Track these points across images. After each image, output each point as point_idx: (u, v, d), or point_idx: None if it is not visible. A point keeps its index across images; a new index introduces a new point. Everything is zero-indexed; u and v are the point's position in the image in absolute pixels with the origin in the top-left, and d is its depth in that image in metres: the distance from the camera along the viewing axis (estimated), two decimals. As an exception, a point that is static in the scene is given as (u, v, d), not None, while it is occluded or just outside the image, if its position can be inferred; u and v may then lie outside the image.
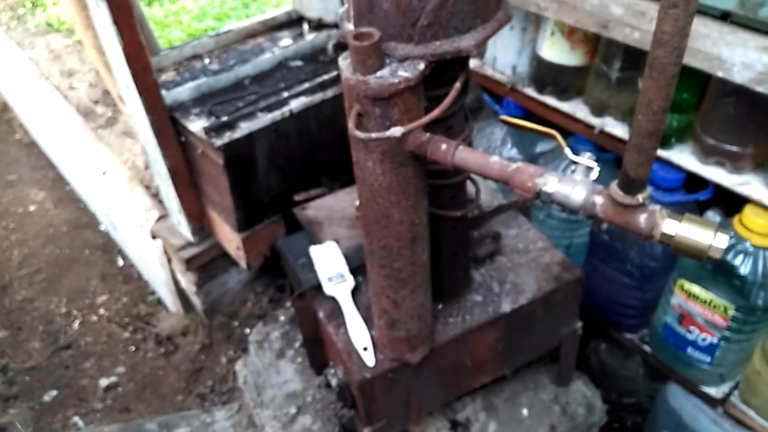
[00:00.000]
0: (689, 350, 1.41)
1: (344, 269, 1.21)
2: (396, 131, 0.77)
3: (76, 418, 2.05)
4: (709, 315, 1.33)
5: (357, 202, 1.30)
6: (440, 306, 1.16)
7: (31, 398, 2.12)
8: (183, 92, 1.66)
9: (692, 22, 0.56)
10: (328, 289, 1.19)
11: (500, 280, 1.21)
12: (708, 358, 1.38)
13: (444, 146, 0.80)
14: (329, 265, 1.22)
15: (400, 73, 0.75)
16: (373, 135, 0.77)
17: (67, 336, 2.31)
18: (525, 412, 1.35)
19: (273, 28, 1.95)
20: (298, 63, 1.81)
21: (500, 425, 1.32)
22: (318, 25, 1.88)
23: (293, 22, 1.95)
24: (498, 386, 1.37)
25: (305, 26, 1.90)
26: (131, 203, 2.19)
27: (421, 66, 0.77)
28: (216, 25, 3.37)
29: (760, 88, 1.08)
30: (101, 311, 2.39)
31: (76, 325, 2.35)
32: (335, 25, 1.86)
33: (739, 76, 1.10)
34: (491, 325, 1.16)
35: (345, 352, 1.11)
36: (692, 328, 1.37)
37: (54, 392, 2.13)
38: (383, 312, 1.02)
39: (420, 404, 1.19)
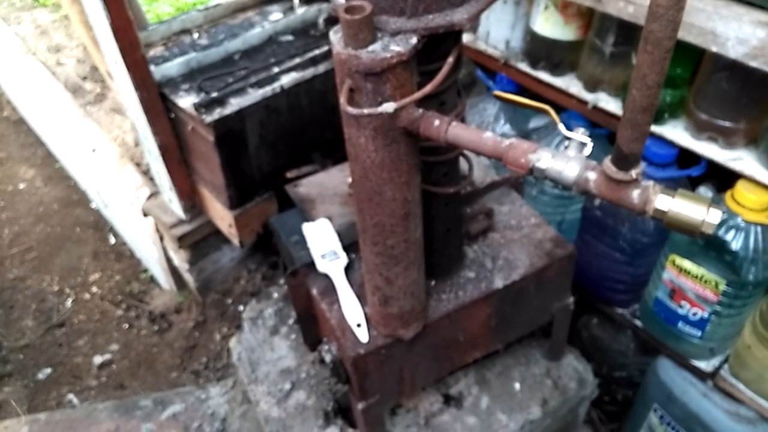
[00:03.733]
0: (680, 325, 1.42)
1: (337, 246, 1.21)
2: (388, 107, 0.76)
3: (70, 396, 2.06)
4: (700, 290, 1.33)
5: (349, 179, 1.29)
6: (433, 282, 1.17)
7: (25, 376, 2.12)
8: (172, 68, 1.64)
9: (688, -5, 0.55)
10: (322, 266, 1.18)
11: (493, 257, 1.21)
12: (698, 333, 1.40)
13: (437, 122, 0.79)
14: (322, 242, 1.22)
15: (392, 47, 0.74)
16: (365, 111, 0.76)
17: (60, 314, 2.31)
18: (517, 386, 1.36)
19: (263, 1, 1.92)
20: (289, 38, 1.79)
21: (492, 399, 1.34)
22: (309, -1, 1.86)
23: (283, -5, 1.93)
24: (490, 361, 1.38)
25: (295, 0, 1.87)
26: (122, 181, 2.18)
27: (414, 40, 0.76)
28: (205, -1, 3.32)
29: (753, 63, 1.08)
30: (94, 289, 2.39)
31: (68, 303, 2.35)
32: (326, -1, 1.83)
33: (733, 50, 1.09)
34: (484, 301, 1.16)
35: (339, 328, 1.11)
36: (683, 302, 1.38)
37: (48, 370, 2.13)
38: (376, 289, 1.02)
39: (413, 379, 1.20)
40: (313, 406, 1.34)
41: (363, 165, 0.85)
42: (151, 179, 2.05)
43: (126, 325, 2.25)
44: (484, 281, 1.17)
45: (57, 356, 2.18)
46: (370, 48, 0.74)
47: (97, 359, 2.15)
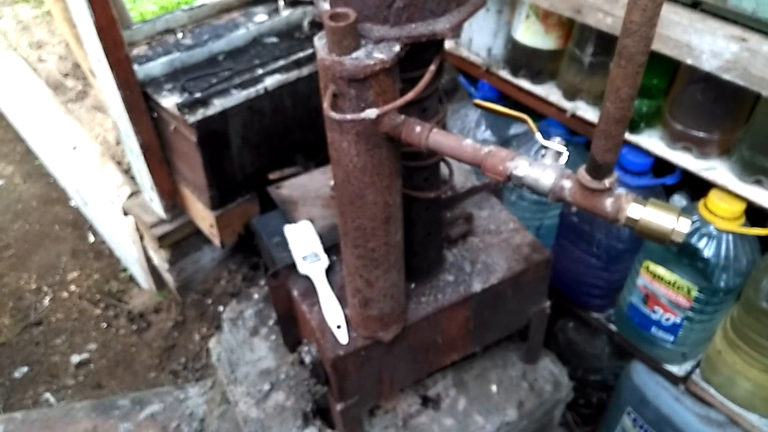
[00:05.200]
0: (653, 329, 1.45)
1: (318, 248, 1.22)
2: (371, 113, 0.77)
3: (47, 395, 2.04)
4: (673, 296, 1.36)
5: (332, 182, 1.31)
6: (413, 285, 1.18)
7: (1, 375, 2.10)
8: (155, 67, 1.64)
9: (660, 12, 0.58)
10: (303, 268, 1.19)
11: (472, 261, 1.23)
12: (671, 338, 1.43)
13: (418, 129, 0.81)
14: (304, 244, 1.23)
15: (375, 54, 0.76)
16: (348, 116, 0.78)
17: (38, 312, 2.29)
18: (494, 388, 1.38)
19: (248, 3, 1.92)
20: (273, 39, 1.79)
21: (470, 401, 1.35)
22: (293, 2, 1.86)
23: (268, -3, 1.94)
24: (468, 363, 1.40)
25: (280, 2, 1.88)
26: (102, 179, 2.17)
27: (397, 48, 0.77)
28: (189, -2, 3.31)
29: (727, 76, 1.11)
30: (72, 288, 2.37)
31: (46, 301, 2.33)
32: (311, 2, 1.83)
33: (708, 63, 1.12)
34: (462, 304, 1.18)
35: (319, 330, 1.12)
36: (656, 308, 1.41)
37: (24, 369, 2.12)
38: (357, 291, 1.03)
39: (392, 381, 1.21)
40: (292, 407, 1.35)
41: (345, 169, 0.86)
42: (132, 178, 2.04)
43: (104, 325, 2.24)
44: (463, 285, 1.19)
45: (34, 355, 2.16)
46: (354, 55, 0.76)
47: (75, 358, 2.14)
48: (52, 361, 2.14)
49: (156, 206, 1.89)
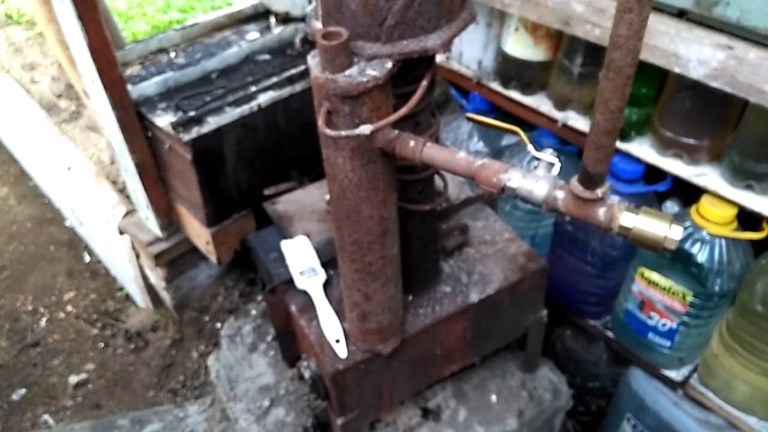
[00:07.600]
0: (650, 335, 1.46)
1: (315, 263, 1.23)
2: (365, 129, 0.78)
3: (46, 416, 2.03)
4: (668, 301, 1.37)
5: (327, 197, 1.32)
6: (410, 297, 1.19)
7: (-2, 397, 2.09)
8: (149, 87, 1.65)
9: (646, 25, 0.59)
10: (300, 283, 1.20)
11: (468, 271, 1.24)
12: (668, 343, 1.43)
13: (412, 143, 0.82)
14: (300, 259, 1.23)
15: (368, 71, 0.77)
16: (343, 133, 0.79)
17: (35, 333, 2.28)
18: (494, 398, 1.38)
19: (240, 21, 1.94)
20: (266, 57, 1.81)
21: (470, 411, 1.36)
22: (285, 19, 1.88)
23: (260, 15, 1.95)
24: (467, 374, 1.41)
25: (272, 20, 1.90)
26: (97, 199, 2.17)
27: (389, 65, 0.79)
28: (181, 17, 3.33)
29: (714, 84, 1.12)
30: (69, 308, 2.36)
31: (43, 322, 2.32)
32: (302, 19, 1.86)
33: (695, 71, 1.14)
34: (460, 315, 1.19)
35: (317, 344, 1.13)
36: (652, 314, 1.42)
37: (22, 391, 2.10)
38: (355, 305, 1.04)
39: (392, 393, 1.22)
40: (293, 423, 1.35)
41: (341, 184, 0.87)
42: (127, 197, 2.04)
43: (102, 344, 2.23)
44: (460, 295, 1.19)
45: (31, 376, 2.15)
46: (347, 72, 0.77)
47: (73, 379, 2.13)
48: (50, 382, 2.13)
49: (152, 225, 1.90)
